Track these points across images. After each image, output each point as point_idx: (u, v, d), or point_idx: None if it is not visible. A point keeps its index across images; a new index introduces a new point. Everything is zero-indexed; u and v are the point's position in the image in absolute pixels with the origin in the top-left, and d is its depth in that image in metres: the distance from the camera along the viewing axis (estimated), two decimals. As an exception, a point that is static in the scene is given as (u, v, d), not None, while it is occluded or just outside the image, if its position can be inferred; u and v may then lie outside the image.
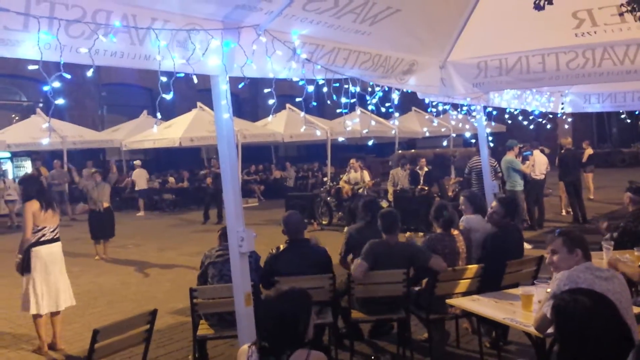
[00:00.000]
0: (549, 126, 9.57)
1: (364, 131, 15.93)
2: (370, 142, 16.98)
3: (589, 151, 14.89)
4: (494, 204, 5.33)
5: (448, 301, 4.54)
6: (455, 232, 5.12)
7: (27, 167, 18.88)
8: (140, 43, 3.34)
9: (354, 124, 13.10)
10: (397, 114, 6.08)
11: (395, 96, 5.76)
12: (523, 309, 3.83)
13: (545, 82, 5.83)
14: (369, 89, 5.43)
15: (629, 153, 26.61)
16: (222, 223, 11.24)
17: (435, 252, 4.84)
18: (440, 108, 7.81)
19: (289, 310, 2.57)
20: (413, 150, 18.51)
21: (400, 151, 17.49)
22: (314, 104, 5.15)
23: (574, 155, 12.62)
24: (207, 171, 17.01)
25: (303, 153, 29.73)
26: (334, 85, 4.68)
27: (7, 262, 7.36)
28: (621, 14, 4.58)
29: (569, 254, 3.31)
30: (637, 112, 10.67)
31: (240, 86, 4.12)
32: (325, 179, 16.82)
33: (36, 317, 5.57)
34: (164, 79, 3.51)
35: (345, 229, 6.05)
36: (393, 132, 18.93)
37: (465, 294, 4.74)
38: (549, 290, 3.38)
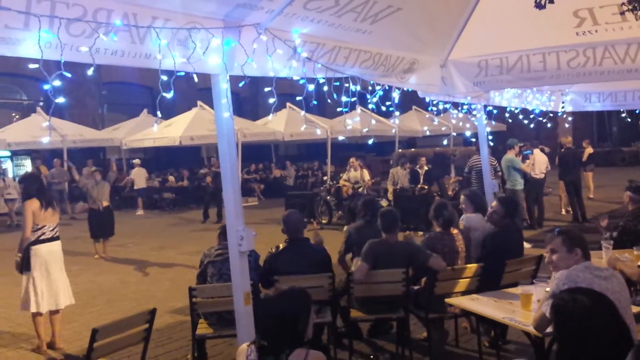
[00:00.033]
0: (549, 125, 9.58)
1: (364, 130, 15.91)
2: (370, 141, 16.98)
3: (589, 150, 14.90)
4: (494, 203, 5.32)
5: (447, 300, 4.54)
6: (455, 231, 5.12)
7: (27, 165, 18.86)
8: (141, 42, 3.34)
9: (354, 123, 13.05)
10: (397, 113, 6.08)
11: (395, 95, 5.75)
12: (522, 308, 3.83)
13: (546, 81, 5.83)
14: (370, 88, 5.43)
15: (629, 152, 26.60)
16: (221, 222, 11.25)
17: (434, 251, 4.85)
18: (441, 107, 7.81)
19: (289, 310, 2.57)
20: (413, 149, 18.53)
21: (400, 150, 17.50)
22: (315, 102, 5.14)
23: (574, 154, 12.62)
24: (207, 170, 17.01)
25: (303, 152, 29.72)
26: (335, 84, 4.68)
27: (7, 261, 7.37)
28: (622, 13, 4.57)
29: (568, 253, 3.32)
30: (637, 111, 10.68)
31: (240, 85, 4.12)
32: (325, 177, 16.81)
33: (35, 315, 5.57)
34: (164, 77, 3.51)
35: (345, 228, 6.05)
36: (393, 131, 18.92)
37: (465, 293, 4.74)
38: (548, 289, 3.38)
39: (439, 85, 6.04)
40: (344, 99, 4.81)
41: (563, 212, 12.91)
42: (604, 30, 5.04)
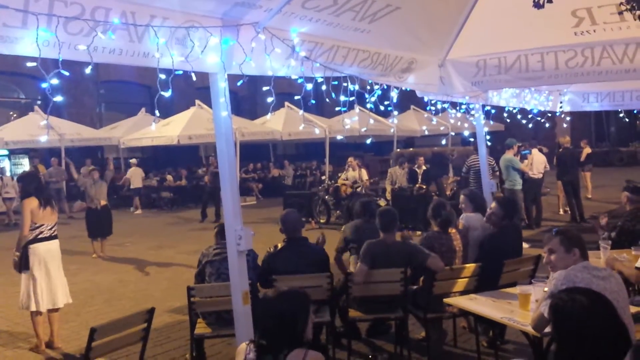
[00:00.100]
0: (547, 125, 9.58)
1: (363, 129, 15.90)
2: (368, 141, 16.98)
3: (587, 150, 14.91)
4: (493, 205, 5.32)
5: (446, 300, 4.53)
6: (452, 231, 5.12)
7: (25, 164, 18.84)
8: (139, 40, 3.34)
9: (352, 122, 13.03)
10: (395, 113, 6.08)
11: (394, 94, 5.76)
12: (520, 308, 3.83)
13: (544, 80, 5.83)
14: (368, 87, 5.43)
15: (627, 152, 26.64)
16: (219, 221, 11.26)
17: (432, 250, 4.84)
18: (439, 106, 7.80)
19: (288, 310, 2.58)
20: (411, 149, 18.53)
21: (398, 150, 17.50)
22: (313, 102, 5.16)
23: (572, 154, 12.63)
24: (205, 169, 17.00)
25: (301, 151, 29.71)
26: (333, 83, 4.68)
27: (5, 260, 7.35)
28: (620, 13, 4.57)
29: (567, 254, 3.31)
30: (635, 111, 10.70)
31: (238, 84, 4.11)
32: (323, 177, 16.81)
33: (34, 314, 5.56)
34: (162, 76, 3.51)
35: (343, 227, 6.05)
36: (392, 130, 18.92)
37: (463, 293, 4.74)
38: (546, 289, 3.38)
39: (437, 85, 6.04)
40: (342, 98, 4.81)
41: (561, 212, 12.92)
42: (602, 30, 5.05)
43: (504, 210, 5.16)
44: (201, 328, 4.73)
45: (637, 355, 1.90)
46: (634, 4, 3.86)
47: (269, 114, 15.84)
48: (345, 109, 4.85)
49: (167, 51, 3.41)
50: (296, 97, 4.62)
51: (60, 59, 3.01)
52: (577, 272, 3.16)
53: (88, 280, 8.75)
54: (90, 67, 3.19)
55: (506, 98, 7.75)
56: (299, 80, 4.39)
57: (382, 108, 5.88)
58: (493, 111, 8.49)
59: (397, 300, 4.87)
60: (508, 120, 10.20)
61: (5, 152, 18.40)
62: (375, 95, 5.52)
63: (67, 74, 3.07)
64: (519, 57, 5.67)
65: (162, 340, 5.77)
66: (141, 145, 19.75)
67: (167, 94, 3.58)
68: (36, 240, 5.53)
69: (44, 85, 3.13)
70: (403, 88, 5.82)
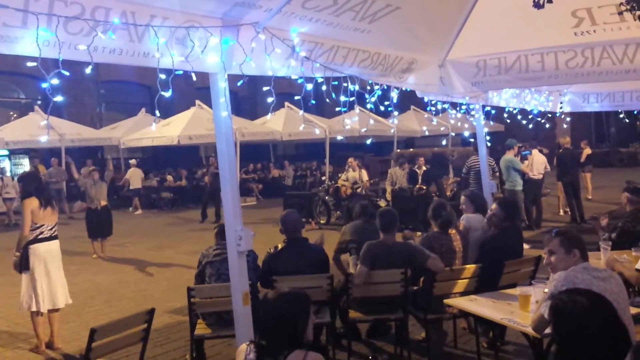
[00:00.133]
0: (547, 125, 9.58)
1: (363, 130, 15.91)
2: (368, 141, 16.99)
3: (587, 151, 14.91)
4: (493, 206, 5.31)
5: (446, 301, 4.53)
6: (452, 232, 5.11)
7: (25, 164, 18.86)
8: (139, 40, 3.34)
9: (352, 123, 13.06)
10: (396, 113, 6.07)
11: (394, 95, 5.75)
12: (521, 309, 3.83)
13: (544, 81, 5.83)
14: (368, 88, 5.43)
15: (627, 153, 26.63)
16: (220, 222, 11.25)
17: (432, 251, 4.83)
18: (439, 107, 7.80)
19: (288, 311, 2.58)
20: (411, 150, 18.52)
21: (398, 150, 17.49)
22: (313, 102, 5.16)
23: (572, 154, 12.63)
24: (205, 170, 16.99)
25: (302, 152, 29.72)
26: (333, 83, 4.68)
27: (5, 261, 7.35)
28: (620, 13, 4.57)
29: (567, 255, 3.31)
30: (635, 112, 10.69)
31: (239, 84, 4.11)
32: (323, 177, 16.81)
33: (35, 315, 5.56)
34: (162, 76, 3.51)
35: (343, 228, 6.06)
36: (392, 131, 18.92)
37: (463, 294, 4.74)
38: (546, 290, 3.38)
39: (437, 85, 6.04)
40: (342, 98, 4.80)
41: (561, 212, 12.92)
42: (602, 31, 5.04)
43: (504, 211, 5.16)
44: (201, 329, 4.72)
45: (637, 355, 1.90)
46: (634, 4, 3.86)
47: (269, 114, 15.88)
48: (345, 109, 4.85)
49: (167, 51, 3.41)
50: (296, 98, 4.61)
51: (61, 59, 3.01)
52: (578, 273, 3.15)
53: (88, 280, 8.74)
54: (90, 67, 3.19)
55: (506, 98, 7.75)
56: (299, 81, 4.39)
57: (382, 108, 5.88)
58: (493, 112, 8.49)
59: (397, 301, 4.86)
60: (508, 121, 10.20)
61: (6, 152, 18.41)
62: (376, 95, 5.52)
63: (67, 73, 3.07)
64: (519, 58, 5.67)
65: (162, 341, 5.77)
66: (141, 146, 19.75)
67: (167, 94, 3.58)
68: (36, 240, 5.53)
69: (44, 85, 3.13)
70: (403, 88, 5.81)
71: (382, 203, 11.91)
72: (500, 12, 5.27)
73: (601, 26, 5.01)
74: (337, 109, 5.12)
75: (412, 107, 21.46)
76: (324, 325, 4.85)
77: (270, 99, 4.06)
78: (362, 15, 4.34)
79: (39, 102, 20.68)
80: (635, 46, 5.11)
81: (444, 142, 16.98)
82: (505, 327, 4.41)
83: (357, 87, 4.83)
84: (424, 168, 13.22)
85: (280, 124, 18.24)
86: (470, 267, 4.84)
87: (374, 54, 4.94)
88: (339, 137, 16.10)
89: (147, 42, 3.34)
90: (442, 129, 19.77)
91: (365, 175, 13.69)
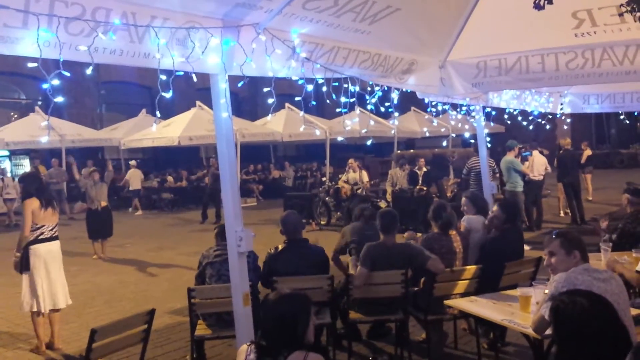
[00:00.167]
0: (548, 127, 9.58)
1: (363, 131, 15.91)
2: (369, 142, 16.97)
3: (588, 152, 14.86)
4: (495, 208, 5.31)
5: (446, 302, 4.52)
6: (453, 233, 5.11)
7: (26, 165, 18.86)
8: (140, 41, 3.34)
9: (353, 124, 13.09)
10: (396, 114, 6.08)
11: (394, 96, 5.75)
12: (521, 310, 3.82)
13: (545, 82, 5.83)
14: (369, 89, 5.43)
15: (628, 154, 26.61)
16: (220, 223, 11.26)
17: (432, 252, 4.83)
18: (440, 108, 7.80)
19: (289, 312, 2.59)
20: (412, 151, 18.51)
21: (399, 151, 17.49)
22: (313, 103, 5.15)
23: (573, 156, 12.62)
24: (206, 171, 16.98)
25: (302, 152, 29.73)
26: (333, 84, 4.68)
27: (5, 261, 7.34)
28: (621, 15, 4.58)
29: (567, 256, 3.31)
30: (636, 113, 10.70)
31: (239, 85, 4.11)
32: (324, 178, 16.81)
33: (35, 315, 5.56)
34: (163, 77, 3.50)
35: (342, 230, 6.06)
36: (392, 132, 18.92)
37: (464, 295, 4.73)
38: (547, 291, 3.37)
39: (437, 86, 6.04)
40: (342, 99, 4.80)
41: (562, 214, 12.91)
42: (602, 32, 5.04)
43: (505, 213, 5.16)
44: (201, 329, 4.72)
45: (637, 356, 1.90)
46: (634, 6, 3.86)
47: (270, 115, 15.91)
48: (345, 110, 4.85)
49: (167, 52, 3.41)
50: (297, 99, 4.61)
51: (61, 60, 3.00)
52: (578, 275, 3.15)
53: (88, 281, 8.74)
54: (91, 67, 3.19)
55: (507, 99, 7.75)
56: (300, 82, 4.39)
57: (382, 109, 5.88)
58: (494, 113, 8.48)
59: (397, 302, 4.86)
60: (509, 122, 10.18)
61: (6, 153, 18.42)
62: (376, 96, 5.52)
63: (67, 74, 3.07)
64: (519, 59, 5.67)
65: (163, 342, 5.77)
66: (142, 146, 19.75)
67: (167, 95, 3.58)
68: (37, 241, 5.53)
69: (45, 85, 3.13)
70: (403, 89, 5.81)
71: (383, 204, 11.91)
72: (500, 13, 5.27)
73: (602, 27, 5.01)
74: (338, 110, 5.13)
75: (412, 108, 21.46)
76: (324, 326, 4.85)
77: (270, 100, 4.06)
78: (363, 16, 4.34)
79: (40, 103, 20.70)
80: (636, 47, 5.10)
81: (444, 143, 17.00)
82: (506, 328, 4.40)
83: (357, 88, 4.83)
84: (424, 169, 13.21)
85: (281, 125, 18.24)
86: (471, 268, 4.84)
87: (375, 55, 4.94)
88: (340, 138, 16.10)
89: (148, 43, 3.35)
90: (442, 130, 19.78)
91: (365, 176, 13.69)
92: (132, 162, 18.61)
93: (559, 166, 12.29)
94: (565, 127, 12.40)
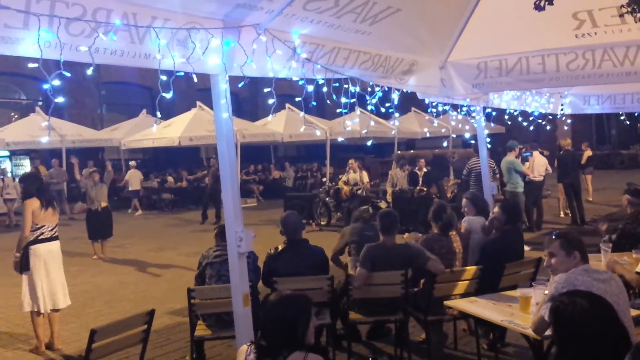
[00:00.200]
0: (548, 127, 9.59)
1: (364, 131, 15.92)
2: (369, 143, 16.99)
3: (588, 153, 14.90)
4: (495, 209, 5.31)
5: (446, 303, 4.52)
6: (452, 233, 5.11)
7: (26, 165, 18.87)
8: (140, 41, 3.34)
9: (353, 124, 13.12)
10: (396, 114, 6.08)
11: (395, 96, 5.76)
12: (521, 311, 3.82)
13: (545, 83, 5.83)
14: (369, 89, 5.43)
15: (628, 155, 26.61)
16: (220, 223, 11.25)
17: (432, 252, 4.83)
18: (440, 109, 7.81)
19: (289, 313, 2.59)
20: (412, 151, 18.52)
21: (399, 152, 17.49)
22: (314, 103, 5.15)
23: (573, 156, 12.63)
24: (206, 172, 16.97)
25: (302, 153, 29.73)
26: (334, 85, 4.68)
27: (5, 261, 7.35)
28: (621, 15, 4.58)
29: (567, 257, 3.31)
30: (636, 114, 10.68)
31: (240, 85, 4.12)
32: (324, 179, 16.80)
33: (35, 316, 5.56)
34: (163, 77, 3.51)
35: (342, 230, 6.06)
36: (392, 132, 18.92)
37: (464, 295, 4.73)
38: (546, 292, 3.37)
39: (438, 87, 6.04)
40: (343, 100, 4.81)
41: (562, 214, 12.91)
42: (603, 33, 5.04)
43: (506, 215, 5.16)
44: (201, 330, 4.72)
45: (636, 357, 1.90)
46: (635, 7, 3.86)
47: (270, 115, 15.89)
48: (346, 110, 4.85)
49: (168, 52, 3.41)
50: (297, 99, 4.62)
51: (62, 60, 3.01)
52: (578, 275, 3.15)
53: (88, 281, 8.74)
54: (91, 68, 3.19)
55: (507, 100, 7.75)
56: (300, 82, 4.39)
57: (383, 110, 5.88)
58: (494, 113, 8.49)
59: (397, 303, 4.86)
60: (509, 123, 10.20)
61: (7, 153, 18.42)
62: (376, 97, 5.53)
63: (68, 75, 3.08)
64: (520, 60, 5.67)
65: (162, 342, 5.77)
66: (142, 147, 19.75)
67: (168, 95, 3.58)
68: (37, 241, 5.53)
69: (46, 86, 3.13)
70: (404, 90, 5.81)
71: (383, 204, 11.90)
72: (501, 14, 5.27)
73: (602, 28, 5.01)
74: (338, 110, 5.13)
75: (412, 108, 21.46)
76: (324, 327, 4.85)
77: (271, 101, 4.07)
78: (363, 17, 4.35)
79: (40, 103, 20.70)
80: (636, 48, 5.11)
81: (444, 144, 16.95)
82: (506, 328, 4.40)
83: (358, 89, 4.83)
84: (424, 170, 13.21)
85: (281, 125, 18.25)
86: (471, 269, 4.84)
87: (375, 56, 4.94)
88: (340, 139, 16.10)
89: (149, 44, 3.35)
90: (442, 130, 19.77)
91: (365, 177, 13.69)
92: (132, 163, 18.61)
93: (559, 167, 12.29)
94: (566, 127, 12.43)
